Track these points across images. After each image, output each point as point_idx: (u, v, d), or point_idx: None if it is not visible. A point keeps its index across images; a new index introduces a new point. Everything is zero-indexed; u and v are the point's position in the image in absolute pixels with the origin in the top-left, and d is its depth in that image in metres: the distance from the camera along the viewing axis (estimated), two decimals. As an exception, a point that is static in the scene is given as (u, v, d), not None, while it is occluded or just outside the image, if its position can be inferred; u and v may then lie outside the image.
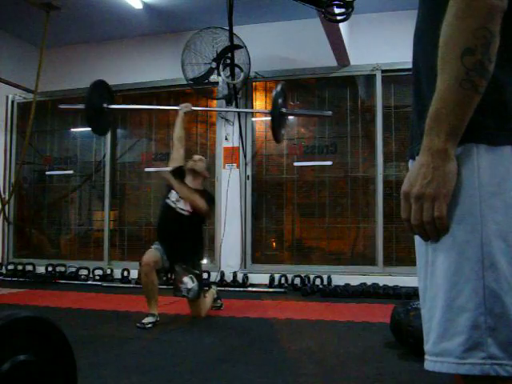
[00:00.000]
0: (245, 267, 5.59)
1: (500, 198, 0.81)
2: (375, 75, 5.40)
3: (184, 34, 5.53)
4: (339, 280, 5.12)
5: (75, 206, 6.67)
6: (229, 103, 5.42)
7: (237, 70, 5.09)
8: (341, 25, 4.33)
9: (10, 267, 6.20)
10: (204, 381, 2.33)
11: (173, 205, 3.70)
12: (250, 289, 5.26)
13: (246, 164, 5.69)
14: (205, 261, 5.10)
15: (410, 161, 0.96)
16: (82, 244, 6.45)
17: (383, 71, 5.36)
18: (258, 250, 5.76)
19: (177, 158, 3.91)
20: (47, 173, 6.65)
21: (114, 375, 2.37)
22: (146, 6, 5.31)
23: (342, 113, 5.61)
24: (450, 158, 0.81)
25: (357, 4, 3.73)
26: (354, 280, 5.06)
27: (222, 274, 5.46)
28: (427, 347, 0.86)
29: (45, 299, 4.56)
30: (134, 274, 5.62)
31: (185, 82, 5.33)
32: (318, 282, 5.13)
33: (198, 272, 3.67)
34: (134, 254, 5.84)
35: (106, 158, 6.28)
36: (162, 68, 5.91)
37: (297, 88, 5.82)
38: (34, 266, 6.14)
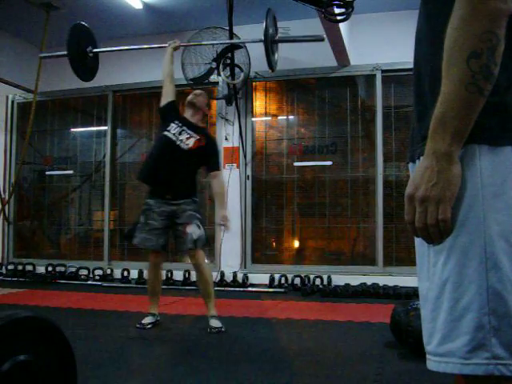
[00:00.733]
0: (245, 267, 5.58)
1: (502, 198, 0.81)
2: (375, 75, 5.40)
3: (184, 33, 5.51)
4: (339, 280, 5.12)
5: (75, 206, 6.67)
6: (229, 103, 5.41)
7: (237, 69, 5.08)
8: (341, 25, 4.33)
9: (10, 267, 6.20)
10: (204, 381, 2.33)
11: (173, 138, 3.35)
12: (249, 289, 5.25)
13: (245, 164, 5.69)
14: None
15: (410, 164, 0.96)
16: (81, 244, 6.45)
17: (383, 71, 5.36)
18: (258, 250, 5.76)
19: (169, 92, 3.60)
20: (47, 173, 6.66)
21: (113, 375, 2.37)
22: (145, 5, 5.31)
23: (342, 113, 5.61)
24: (455, 161, 0.81)
25: (357, 4, 3.72)
26: (354, 280, 5.05)
27: (222, 274, 5.46)
28: (430, 348, 0.86)
29: (45, 299, 4.56)
30: (134, 274, 5.63)
31: (185, 82, 5.31)
32: (317, 281, 5.13)
33: (200, 217, 3.38)
34: (134, 254, 5.84)
35: (106, 158, 6.28)
36: (162, 68, 5.89)
37: (297, 88, 5.82)
38: (34, 266, 6.13)
